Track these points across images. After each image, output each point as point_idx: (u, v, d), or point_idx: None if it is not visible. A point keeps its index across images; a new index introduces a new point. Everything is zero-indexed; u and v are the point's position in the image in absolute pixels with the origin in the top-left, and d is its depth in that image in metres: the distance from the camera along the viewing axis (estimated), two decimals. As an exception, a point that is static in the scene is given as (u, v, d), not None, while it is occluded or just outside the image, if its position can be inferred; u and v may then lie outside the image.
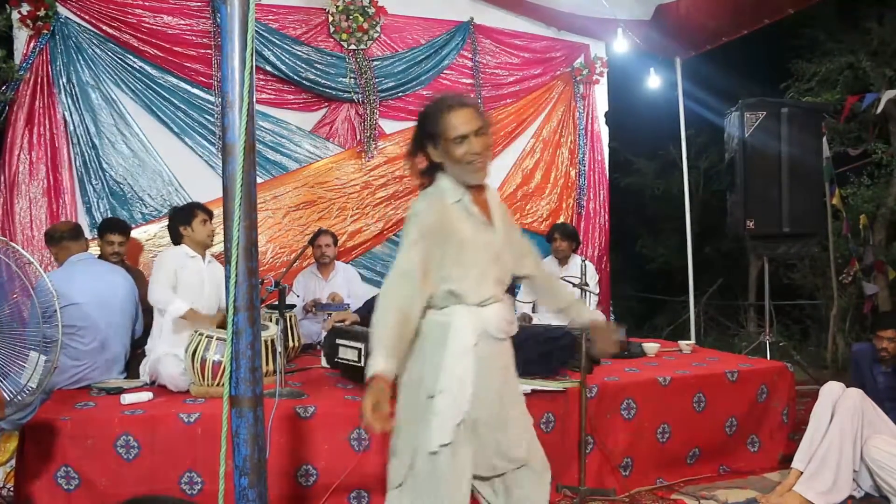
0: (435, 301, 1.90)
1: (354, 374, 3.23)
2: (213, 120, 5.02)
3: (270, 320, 3.39)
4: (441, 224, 1.88)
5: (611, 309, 6.31)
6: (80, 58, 4.75)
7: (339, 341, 3.31)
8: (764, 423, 3.62)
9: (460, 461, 1.87)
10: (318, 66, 5.31)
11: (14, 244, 2.58)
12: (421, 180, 2.01)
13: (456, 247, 1.89)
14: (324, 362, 3.49)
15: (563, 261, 4.96)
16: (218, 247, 4.69)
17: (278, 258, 5.20)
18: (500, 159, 5.80)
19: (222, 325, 3.23)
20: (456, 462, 1.86)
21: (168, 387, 3.15)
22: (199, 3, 5.01)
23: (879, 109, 5.35)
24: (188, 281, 3.51)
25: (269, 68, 5.14)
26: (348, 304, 4.34)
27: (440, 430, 1.82)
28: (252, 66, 1.62)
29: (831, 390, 3.16)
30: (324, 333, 4.57)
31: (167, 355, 3.26)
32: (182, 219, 3.62)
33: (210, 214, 3.66)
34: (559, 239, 4.93)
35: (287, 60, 5.19)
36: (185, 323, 3.37)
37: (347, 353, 3.22)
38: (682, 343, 4.41)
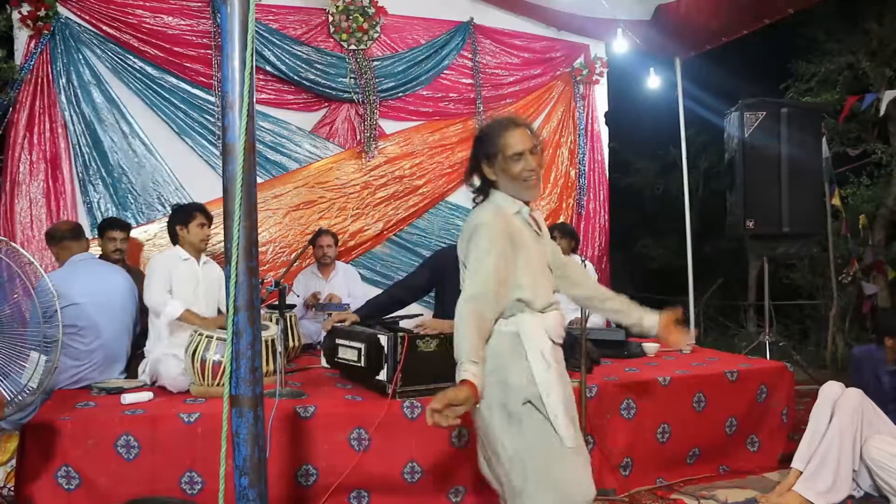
0: (504, 311, 1.95)
1: (354, 374, 3.23)
2: (213, 120, 5.02)
3: (270, 320, 3.39)
4: (510, 231, 1.95)
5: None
6: (80, 58, 4.76)
7: (338, 341, 3.31)
8: (764, 422, 3.62)
9: (584, 450, 2.00)
10: (318, 66, 5.31)
11: (14, 244, 2.58)
12: (475, 196, 2.10)
13: (524, 255, 1.96)
14: (323, 362, 3.49)
15: None
16: (218, 247, 4.71)
17: (278, 258, 5.20)
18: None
19: (220, 326, 3.23)
20: (581, 452, 1.97)
21: (168, 387, 3.15)
22: (199, 3, 5.01)
23: (882, 111, 5.35)
24: (182, 283, 3.51)
25: (269, 68, 5.15)
26: (348, 304, 4.34)
27: (566, 428, 1.89)
28: (252, 67, 1.62)
29: (831, 390, 3.16)
30: (324, 333, 4.60)
31: (167, 356, 3.26)
32: (180, 219, 3.62)
33: (209, 219, 3.66)
34: (558, 237, 4.92)
35: (287, 61, 5.19)
36: (182, 325, 3.37)
37: (347, 354, 3.22)
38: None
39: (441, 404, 1.64)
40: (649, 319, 2.27)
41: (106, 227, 4.15)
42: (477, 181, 2.08)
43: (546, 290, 2.02)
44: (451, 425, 1.66)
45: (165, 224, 3.80)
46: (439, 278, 3.63)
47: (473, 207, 2.09)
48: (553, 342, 1.99)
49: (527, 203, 2.05)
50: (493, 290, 1.86)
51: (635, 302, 2.32)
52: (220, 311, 3.67)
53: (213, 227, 4.85)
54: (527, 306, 1.95)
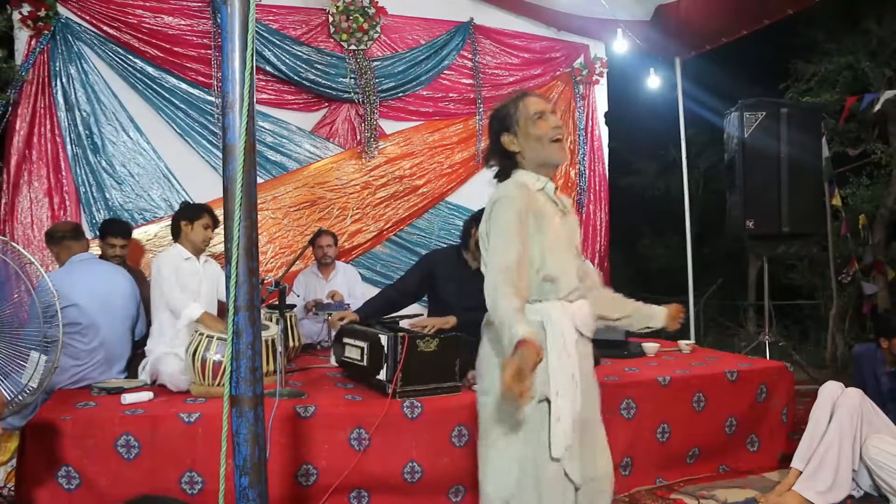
0: (529, 292, 1.81)
1: (358, 373, 3.24)
2: (213, 120, 5.03)
3: (270, 320, 3.40)
4: (533, 207, 1.83)
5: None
6: (80, 58, 4.76)
7: (346, 340, 3.32)
8: (763, 422, 3.62)
9: (576, 463, 1.81)
10: (319, 66, 5.31)
11: (15, 244, 2.59)
12: (498, 179, 1.97)
13: (548, 232, 1.84)
14: (332, 361, 3.51)
15: None
16: (218, 247, 4.71)
17: (278, 258, 5.21)
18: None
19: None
20: (572, 465, 1.80)
21: (168, 386, 3.16)
22: (199, 4, 5.01)
23: (878, 108, 5.35)
24: (185, 282, 3.51)
25: (269, 69, 5.15)
26: (349, 304, 4.34)
27: (565, 435, 1.75)
28: (252, 67, 1.62)
29: (831, 390, 3.16)
30: (325, 333, 4.60)
31: (167, 354, 3.27)
32: (187, 215, 3.60)
33: (216, 223, 3.63)
34: None
35: (287, 61, 5.19)
36: (193, 325, 3.37)
37: (352, 353, 3.23)
38: (682, 343, 4.41)
39: (513, 375, 1.53)
40: (658, 317, 2.13)
41: (107, 233, 4.12)
42: (496, 165, 1.96)
43: (572, 273, 1.87)
44: (523, 394, 1.54)
45: (164, 225, 3.81)
46: (430, 280, 3.66)
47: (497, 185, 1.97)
48: (581, 335, 1.86)
49: (552, 177, 1.94)
50: (517, 265, 1.73)
51: (630, 300, 2.19)
52: (220, 303, 3.69)
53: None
54: (552, 290, 1.82)
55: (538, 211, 1.83)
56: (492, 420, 1.85)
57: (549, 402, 1.77)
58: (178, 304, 3.39)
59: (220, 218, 4.62)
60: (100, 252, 4.18)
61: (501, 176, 1.96)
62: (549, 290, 1.83)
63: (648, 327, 2.17)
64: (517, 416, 1.78)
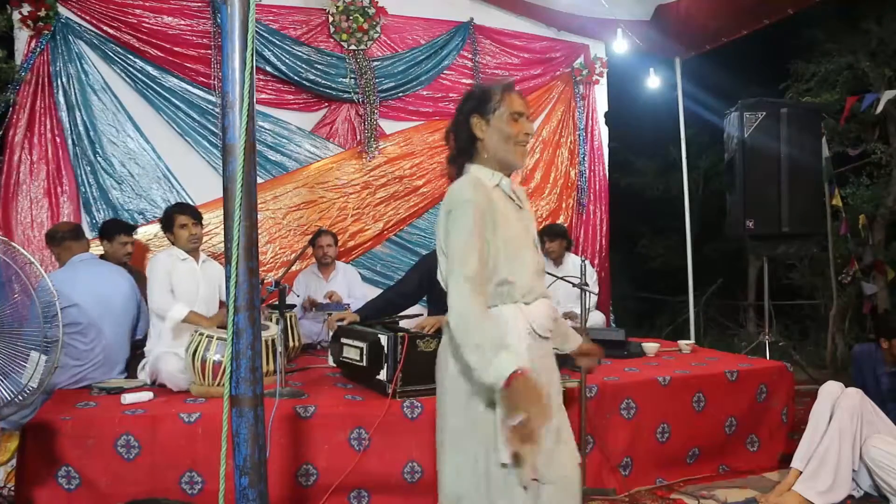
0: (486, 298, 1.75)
1: (357, 374, 3.24)
2: (213, 120, 5.03)
3: (270, 320, 3.40)
4: (492, 208, 1.76)
5: (610, 309, 6.32)
6: (80, 58, 4.76)
7: (343, 340, 3.32)
8: (763, 422, 3.62)
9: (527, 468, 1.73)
10: (319, 66, 5.31)
11: (14, 244, 2.58)
12: (449, 170, 1.91)
13: (505, 232, 1.77)
14: (330, 361, 3.51)
15: (557, 260, 4.92)
16: (218, 247, 4.72)
17: (278, 258, 5.21)
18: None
19: (224, 325, 3.23)
20: (522, 469, 1.72)
21: (168, 385, 3.16)
22: (199, 3, 5.02)
23: (879, 110, 5.35)
24: (182, 283, 3.52)
25: (269, 69, 5.15)
26: (348, 304, 4.34)
27: (511, 440, 1.66)
28: (252, 67, 1.62)
29: (830, 390, 3.16)
30: (324, 333, 4.60)
31: (167, 353, 3.27)
32: (164, 225, 3.63)
33: (194, 216, 3.62)
34: (547, 241, 4.82)
35: (287, 61, 5.19)
36: (185, 326, 3.37)
37: (351, 353, 3.23)
38: (682, 343, 4.41)
39: (521, 438, 1.54)
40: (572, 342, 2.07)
41: (114, 231, 4.13)
42: (455, 143, 1.88)
43: (529, 272, 1.80)
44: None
45: (161, 228, 3.81)
46: (429, 281, 3.65)
47: (450, 183, 1.84)
48: (540, 336, 1.81)
49: (508, 175, 1.87)
50: (482, 273, 1.70)
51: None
52: (221, 303, 3.69)
53: (215, 226, 4.87)
54: (508, 293, 1.77)
55: (495, 211, 1.76)
56: (448, 417, 1.81)
57: (493, 407, 1.71)
58: (162, 307, 3.39)
59: (215, 214, 4.72)
60: (101, 252, 4.18)
61: (454, 164, 1.90)
62: (505, 293, 1.77)
63: (558, 349, 2.05)
64: (471, 416, 1.75)
